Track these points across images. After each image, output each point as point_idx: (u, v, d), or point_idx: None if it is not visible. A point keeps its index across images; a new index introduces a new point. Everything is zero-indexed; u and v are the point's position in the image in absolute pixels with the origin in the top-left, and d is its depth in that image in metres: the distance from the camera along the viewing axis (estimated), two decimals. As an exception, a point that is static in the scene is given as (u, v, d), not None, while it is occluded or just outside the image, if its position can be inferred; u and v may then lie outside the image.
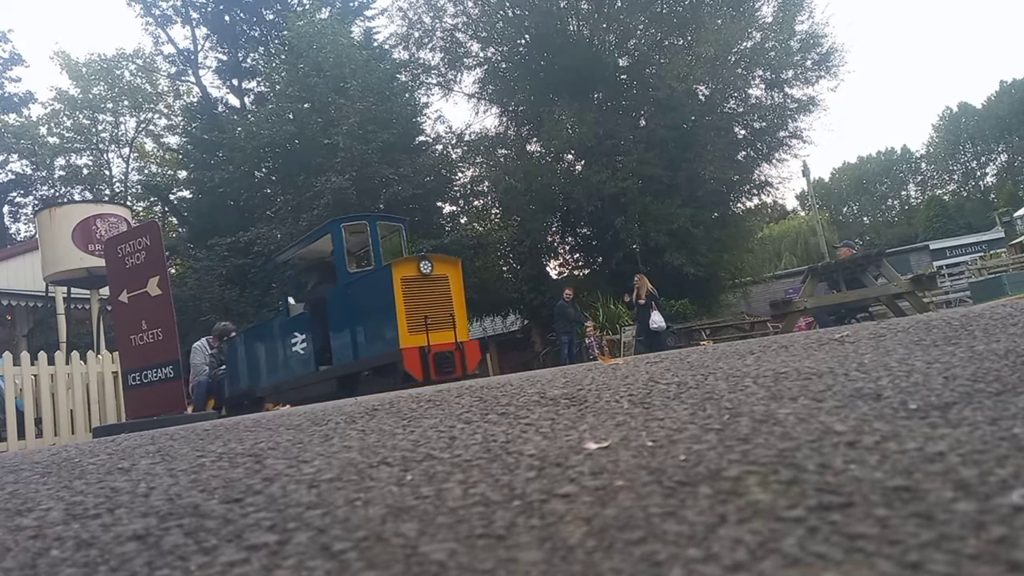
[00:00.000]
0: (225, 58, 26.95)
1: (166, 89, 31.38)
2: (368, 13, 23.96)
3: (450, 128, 21.33)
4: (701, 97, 18.23)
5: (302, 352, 7.72)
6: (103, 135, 31.64)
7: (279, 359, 8.16)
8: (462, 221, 20.25)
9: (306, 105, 19.09)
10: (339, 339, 7.37)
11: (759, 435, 0.90)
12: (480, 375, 7.32)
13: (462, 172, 20.19)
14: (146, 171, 31.99)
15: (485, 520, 0.69)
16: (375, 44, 21.61)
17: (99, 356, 7.55)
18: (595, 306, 14.98)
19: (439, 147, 20.51)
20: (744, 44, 17.78)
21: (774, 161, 18.98)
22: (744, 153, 18.96)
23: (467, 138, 20.64)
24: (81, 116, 30.83)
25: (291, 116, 19.37)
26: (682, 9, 18.19)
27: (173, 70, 30.14)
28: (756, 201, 20.52)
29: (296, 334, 7.84)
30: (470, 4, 19.53)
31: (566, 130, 17.09)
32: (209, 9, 26.31)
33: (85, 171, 31.38)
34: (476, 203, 20.46)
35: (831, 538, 0.53)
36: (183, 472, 1.19)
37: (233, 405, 8.81)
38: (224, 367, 9.33)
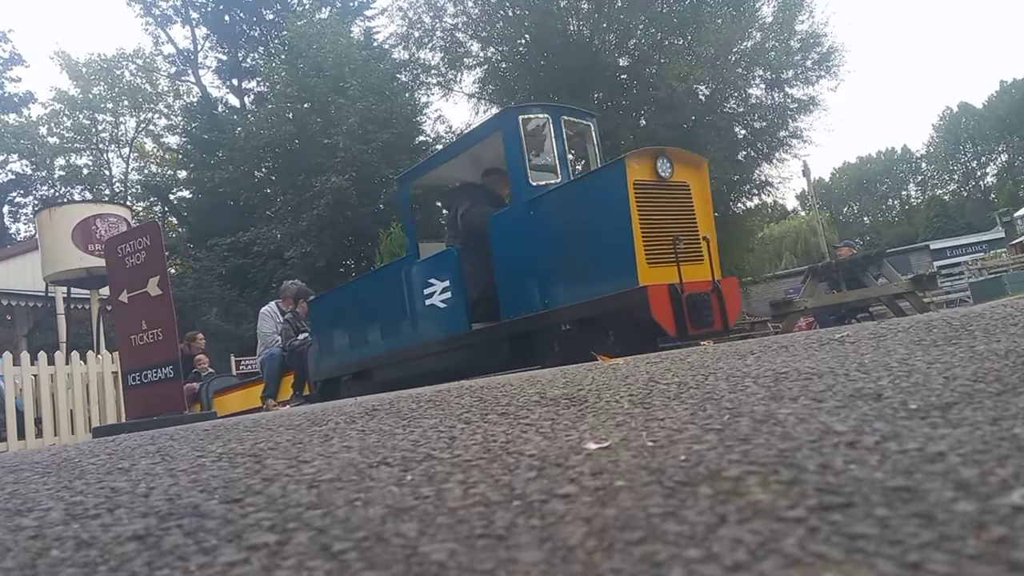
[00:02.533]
0: (225, 58, 26.97)
1: (166, 89, 31.40)
2: (368, 13, 23.99)
3: (450, 128, 21.34)
4: (701, 97, 18.23)
5: (444, 305, 5.54)
6: (103, 135, 31.67)
7: (403, 319, 6.03)
8: (462, 221, 20.22)
9: (306, 105, 19.09)
10: (514, 282, 5.17)
11: (759, 435, 0.90)
12: (745, 330, 5.02)
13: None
14: (146, 171, 32.00)
15: (485, 520, 0.69)
16: (375, 44, 21.62)
17: (99, 356, 7.55)
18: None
19: (439, 147, 20.50)
20: (744, 44, 17.78)
21: (774, 161, 19.01)
22: (744, 153, 18.96)
23: (467, 138, 20.64)
24: (81, 116, 30.83)
25: (291, 116, 19.37)
26: (682, 9, 18.18)
27: (173, 70, 30.17)
28: (756, 201, 20.55)
29: (433, 282, 5.64)
30: (470, 4, 19.52)
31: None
32: (209, 9, 26.32)
33: (85, 171, 31.39)
34: (476, 203, 20.44)
35: (831, 538, 0.53)
36: (183, 472, 1.19)
37: (325, 384, 7.01)
38: (305, 335, 7.51)
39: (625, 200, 4.40)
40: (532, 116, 5.50)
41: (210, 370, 9.90)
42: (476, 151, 5.86)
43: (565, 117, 5.63)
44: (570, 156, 5.65)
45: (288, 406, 6.51)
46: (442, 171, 6.38)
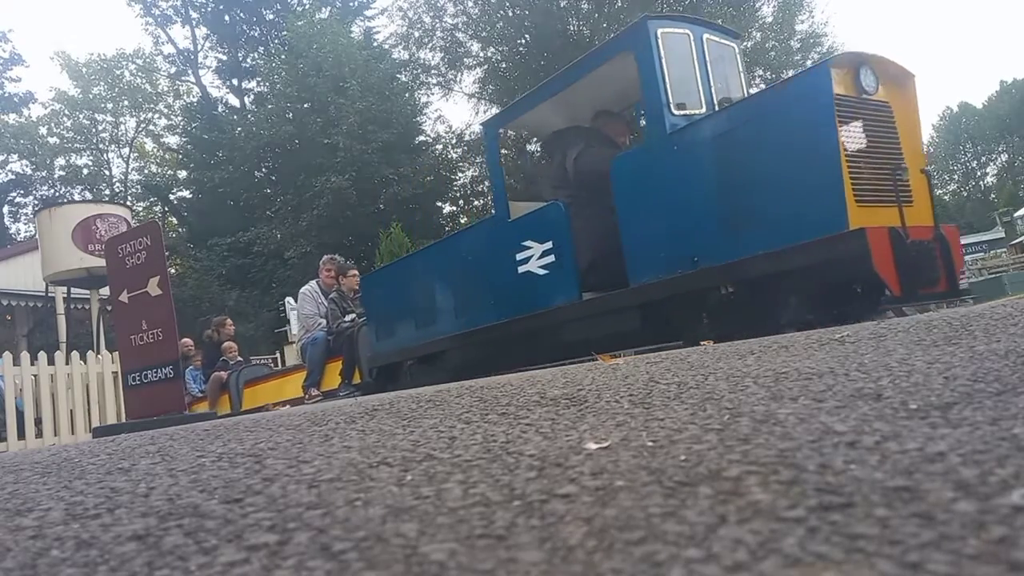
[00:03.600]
0: (225, 58, 26.99)
1: (166, 89, 31.42)
2: (368, 13, 24.01)
3: (450, 128, 21.36)
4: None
5: (544, 272, 4.55)
6: (103, 135, 31.66)
7: (486, 291, 5.02)
8: (462, 221, 20.27)
9: (306, 105, 19.11)
10: (648, 238, 4.10)
11: (759, 435, 0.90)
12: (971, 294, 4.15)
13: (462, 172, 20.21)
14: (146, 171, 32.02)
15: (485, 520, 0.69)
16: (375, 44, 21.64)
17: (99, 356, 7.55)
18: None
19: (439, 147, 20.52)
20: (744, 44, 17.81)
21: (774, 161, 19.01)
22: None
23: (467, 138, 20.65)
24: (81, 116, 30.82)
25: (291, 116, 19.39)
26: (682, 9, 18.21)
27: (173, 70, 30.20)
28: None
29: (530, 245, 4.62)
30: (470, 4, 19.56)
31: (566, 130, 17.10)
32: (209, 9, 26.34)
33: (85, 171, 31.39)
34: (476, 203, 20.47)
35: (831, 538, 0.53)
36: (183, 472, 1.19)
37: (382, 371, 6.05)
38: (353, 316, 6.68)
39: (829, 118, 3.38)
40: (671, 30, 4.31)
41: (239, 358, 9.18)
42: (588, 84, 4.78)
43: (707, 35, 4.52)
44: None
45: (340, 395, 6.13)
46: (539, 113, 5.21)
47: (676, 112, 4.15)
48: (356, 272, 7.23)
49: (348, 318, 6.67)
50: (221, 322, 9.37)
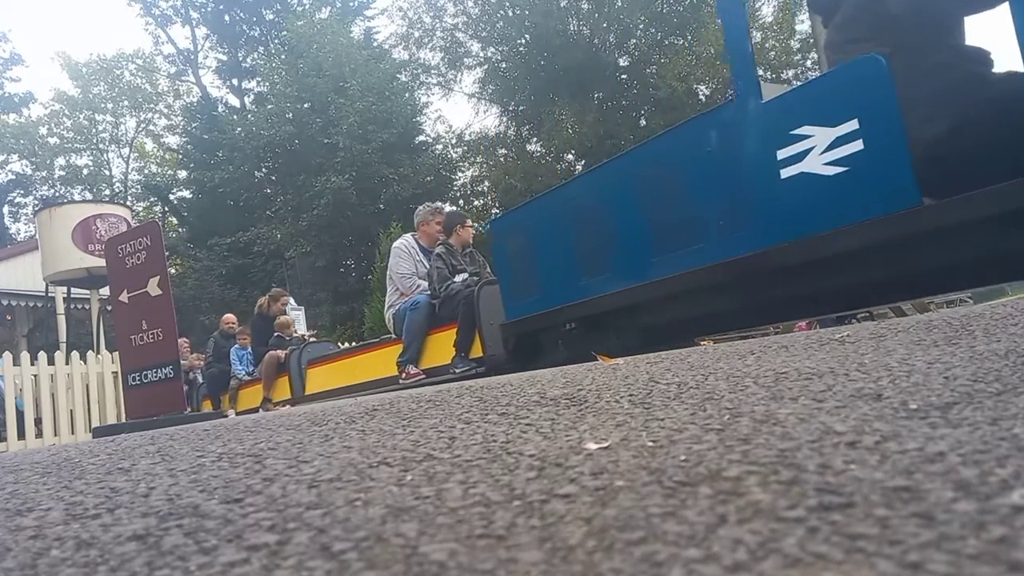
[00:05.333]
0: (225, 58, 27.00)
1: (166, 89, 31.44)
2: (368, 13, 24.02)
3: (450, 128, 21.39)
4: (701, 97, 18.27)
5: (839, 170, 2.98)
6: (103, 135, 31.67)
7: (718, 212, 3.48)
8: (462, 221, 20.28)
9: (306, 105, 19.13)
10: None
11: (759, 435, 0.90)
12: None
13: (462, 172, 20.24)
14: (146, 171, 32.04)
15: (485, 520, 0.69)
16: (375, 44, 21.66)
17: (99, 356, 7.55)
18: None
19: (439, 147, 20.54)
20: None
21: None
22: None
23: (467, 138, 20.69)
24: (81, 116, 30.84)
25: (291, 116, 19.40)
26: (682, 9, 18.24)
27: (173, 70, 30.23)
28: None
29: (808, 133, 3.07)
30: (470, 4, 19.59)
31: (566, 130, 17.15)
32: (209, 9, 26.37)
33: (85, 171, 31.41)
34: (476, 203, 20.49)
35: (831, 538, 0.53)
36: (183, 472, 1.19)
37: (523, 340, 4.66)
38: (465, 276, 5.43)
39: None
40: None
41: (298, 334, 8.09)
42: None
43: None
44: None
45: (457, 371, 5.01)
46: None
47: None
48: (472, 224, 6.01)
49: (459, 278, 5.42)
50: (277, 295, 8.23)
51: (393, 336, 6.02)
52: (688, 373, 1.65)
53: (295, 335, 7.91)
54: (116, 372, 6.81)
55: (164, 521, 0.84)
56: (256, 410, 7.12)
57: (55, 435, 6.76)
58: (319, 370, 6.93)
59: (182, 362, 8.93)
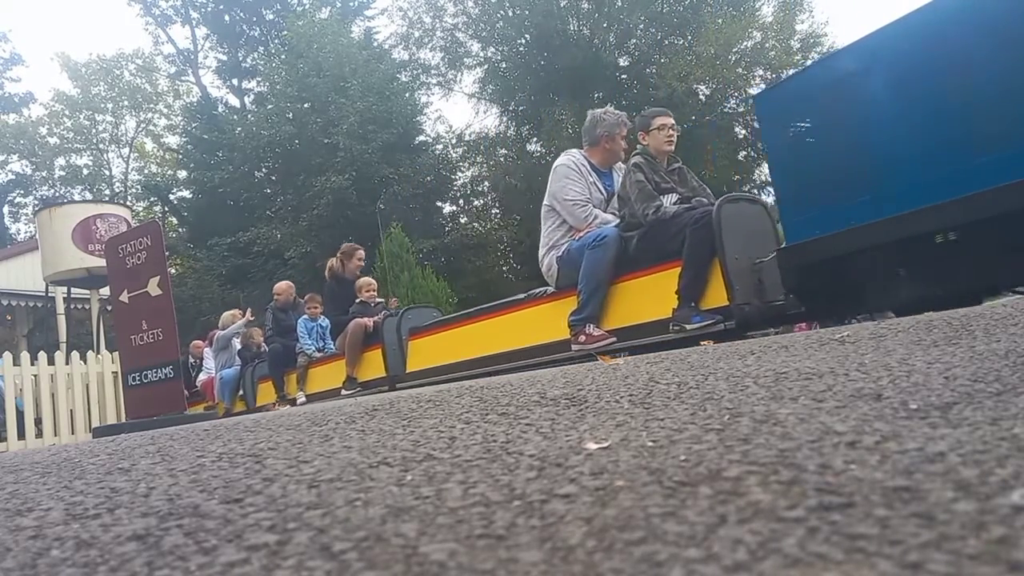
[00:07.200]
0: (225, 58, 27.00)
1: (166, 89, 31.42)
2: (368, 13, 24.01)
3: (450, 128, 21.37)
4: (701, 97, 18.28)
5: None
6: (103, 135, 31.66)
7: None
8: (462, 221, 20.31)
9: (306, 105, 19.14)
10: None
11: (759, 435, 0.90)
12: None
13: (462, 172, 20.25)
14: (146, 171, 32.02)
15: (485, 520, 0.69)
16: (375, 44, 21.66)
17: (99, 356, 7.55)
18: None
19: (439, 147, 20.54)
20: (744, 44, 17.85)
21: (775, 161, 19.03)
22: (744, 153, 19.01)
23: (467, 138, 20.69)
24: (81, 116, 30.83)
25: (291, 116, 19.41)
26: (682, 9, 18.25)
27: (173, 70, 30.22)
28: (757, 200, 20.58)
29: None
30: (470, 4, 19.58)
31: (566, 130, 17.13)
32: (209, 9, 26.36)
33: (85, 171, 31.39)
34: (476, 203, 20.49)
35: (831, 538, 0.53)
36: (183, 472, 1.19)
37: (828, 280, 3.20)
38: (677, 199, 3.95)
39: None
40: None
41: (380, 299, 6.46)
42: None
43: None
44: None
45: (693, 324, 3.54)
46: None
47: None
48: (672, 121, 4.14)
49: (670, 200, 3.91)
50: (351, 250, 6.57)
51: (550, 290, 4.53)
52: (688, 373, 1.65)
53: (378, 300, 6.41)
54: (116, 372, 6.80)
55: (164, 521, 0.84)
56: (338, 391, 5.86)
57: (55, 435, 6.76)
58: (426, 341, 5.32)
59: (235, 341, 7.67)
